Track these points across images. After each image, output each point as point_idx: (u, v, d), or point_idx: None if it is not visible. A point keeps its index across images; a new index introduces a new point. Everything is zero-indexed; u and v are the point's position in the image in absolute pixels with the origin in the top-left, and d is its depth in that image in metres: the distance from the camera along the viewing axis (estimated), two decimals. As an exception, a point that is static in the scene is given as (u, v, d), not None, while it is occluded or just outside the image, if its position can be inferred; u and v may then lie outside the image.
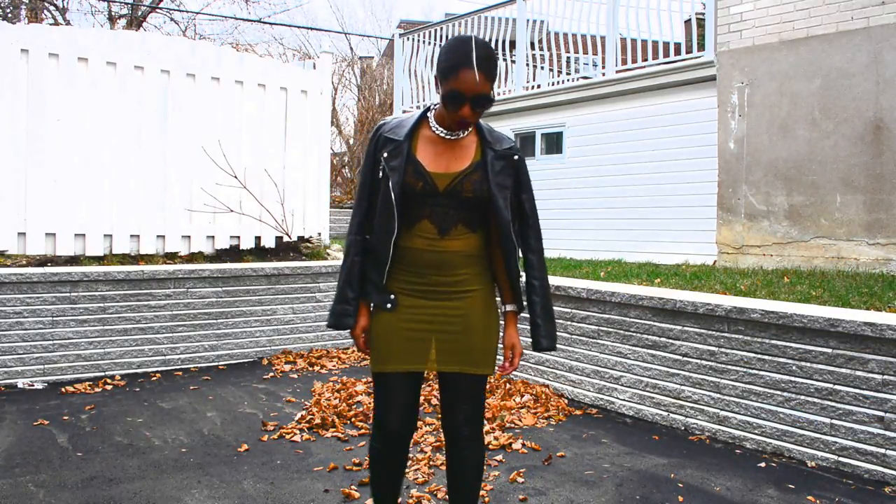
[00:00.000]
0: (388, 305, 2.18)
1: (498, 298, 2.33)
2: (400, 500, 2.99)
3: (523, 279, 2.28)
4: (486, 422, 3.99)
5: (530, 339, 2.29)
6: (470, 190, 2.14)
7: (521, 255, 2.28)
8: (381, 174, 2.17)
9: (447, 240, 2.15)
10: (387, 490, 2.34)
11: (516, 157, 2.22)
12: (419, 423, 3.95)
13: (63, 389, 4.68)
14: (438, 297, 2.17)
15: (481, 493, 3.04)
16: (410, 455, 3.48)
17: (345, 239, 2.37)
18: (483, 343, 2.21)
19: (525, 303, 2.29)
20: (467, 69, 2.00)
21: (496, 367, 2.31)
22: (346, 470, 3.34)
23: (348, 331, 2.27)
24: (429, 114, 2.21)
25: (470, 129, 2.19)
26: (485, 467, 3.35)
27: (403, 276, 2.18)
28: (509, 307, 2.29)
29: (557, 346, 4.54)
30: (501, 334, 2.31)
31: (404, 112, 10.72)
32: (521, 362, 4.84)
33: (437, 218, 2.15)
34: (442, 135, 2.17)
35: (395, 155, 2.14)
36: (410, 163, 2.14)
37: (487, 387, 4.56)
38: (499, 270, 2.28)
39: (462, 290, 2.18)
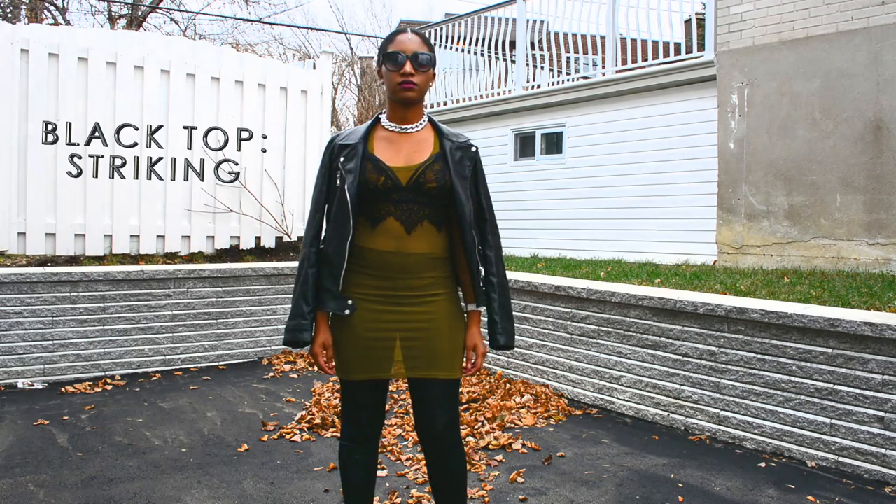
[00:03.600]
0: (347, 311, 2.12)
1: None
2: (399, 500, 3.00)
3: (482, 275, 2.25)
4: (486, 422, 3.99)
5: (488, 337, 2.27)
6: (433, 180, 2.12)
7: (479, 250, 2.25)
8: (338, 181, 2.15)
9: (413, 239, 2.12)
10: (358, 493, 2.26)
11: (474, 148, 2.23)
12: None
13: (63, 389, 4.68)
14: (403, 302, 2.13)
15: (481, 493, 3.05)
16: (410, 455, 3.48)
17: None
18: (451, 347, 2.17)
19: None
20: (402, 34, 2.16)
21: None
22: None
23: (307, 348, 2.15)
24: (381, 116, 2.23)
25: (424, 123, 2.21)
26: (484, 467, 3.35)
27: (365, 280, 2.13)
28: (471, 307, 2.25)
29: (557, 346, 4.57)
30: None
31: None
32: (521, 362, 4.84)
33: (403, 214, 2.11)
34: (396, 129, 2.18)
35: (350, 157, 2.13)
36: (368, 160, 2.12)
37: (488, 387, 4.58)
38: (461, 269, 2.25)
39: (428, 293, 2.15)
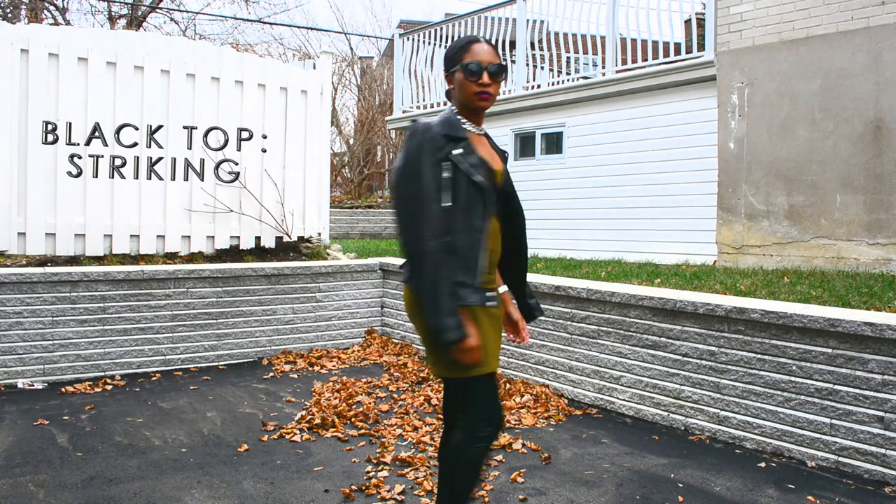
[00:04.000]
0: (494, 302, 2.20)
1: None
2: (405, 498, 3.00)
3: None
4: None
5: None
6: (509, 184, 2.29)
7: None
8: (450, 172, 2.10)
9: (499, 239, 2.26)
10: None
11: (507, 154, 2.38)
12: (420, 424, 3.96)
13: (63, 389, 4.68)
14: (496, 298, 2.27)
15: (481, 493, 3.05)
16: (411, 455, 3.49)
17: (412, 244, 2.06)
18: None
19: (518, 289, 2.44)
20: (477, 43, 2.21)
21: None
22: (346, 470, 3.34)
23: (461, 342, 2.03)
24: (457, 115, 2.22)
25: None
26: (484, 467, 3.35)
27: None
28: (503, 289, 2.39)
29: (557, 346, 4.58)
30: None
31: (404, 112, 10.72)
32: (521, 362, 4.85)
33: (496, 214, 2.24)
34: (477, 131, 2.25)
35: (469, 152, 2.14)
36: (482, 158, 2.18)
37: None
38: (511, 267, 2.36)
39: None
